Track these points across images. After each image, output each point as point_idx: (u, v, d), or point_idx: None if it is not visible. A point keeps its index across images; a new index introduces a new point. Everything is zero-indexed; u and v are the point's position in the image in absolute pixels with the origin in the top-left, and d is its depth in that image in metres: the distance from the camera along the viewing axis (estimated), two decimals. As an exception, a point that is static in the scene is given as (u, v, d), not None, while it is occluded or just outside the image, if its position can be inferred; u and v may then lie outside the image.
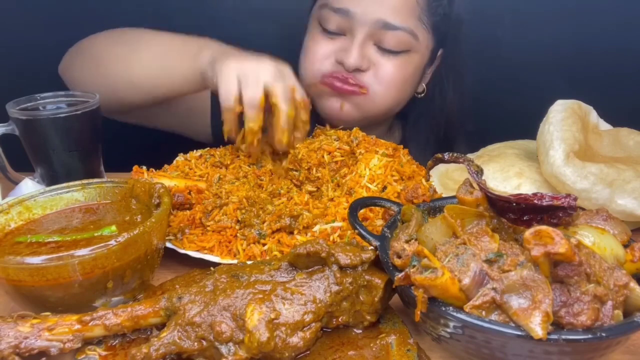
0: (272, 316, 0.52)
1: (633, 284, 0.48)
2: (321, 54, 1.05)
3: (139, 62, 0.99)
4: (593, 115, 0.92)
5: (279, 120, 0.81)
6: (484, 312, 0.47)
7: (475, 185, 0.58)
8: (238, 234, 0.73)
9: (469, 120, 1.25)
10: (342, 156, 0.85)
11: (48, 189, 0.69)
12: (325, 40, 1.06)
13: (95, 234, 0.62)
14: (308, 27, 1.11)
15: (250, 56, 0.85)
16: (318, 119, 1.15)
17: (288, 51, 1.21)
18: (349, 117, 1.07)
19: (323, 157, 0.85)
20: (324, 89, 1.05)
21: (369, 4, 0.99)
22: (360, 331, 0.58)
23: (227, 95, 0.81)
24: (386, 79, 1.03)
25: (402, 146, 0.90)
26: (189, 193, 0.80)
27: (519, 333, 0.45)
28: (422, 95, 1.17)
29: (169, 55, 0.97)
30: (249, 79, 0.80)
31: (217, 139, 1.01)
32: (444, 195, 0.78)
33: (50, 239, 0.62)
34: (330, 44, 1.05)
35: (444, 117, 1.20)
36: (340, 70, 1.03)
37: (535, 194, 0.51)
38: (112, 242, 0.56)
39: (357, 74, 1.03)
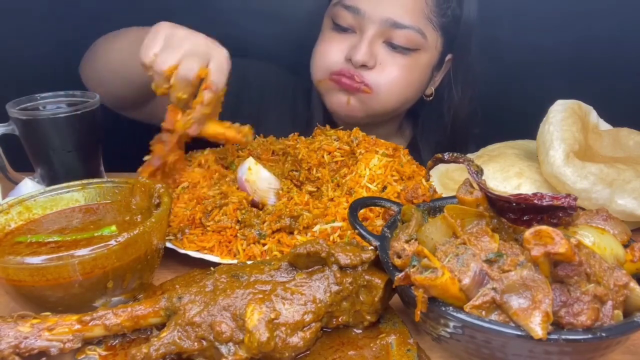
0: (272, 316, 0.52)
1: (633, 284, 0.48)
2: (332, 51, 1.07)
3: (117, 51, 0.99)
4: (593, 115, 0.92)
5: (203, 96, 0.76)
6: (484, 312, 0.47)
7: (475, 185, 0.58)
8: (238, 234, 0.73)
9: (477, 123, 1.26)
10: (342, 156, 0.85)
11: (48, 189, 0.69)
12: (336, 37, 1.07)
13: (95, 234, 0.62)
14: (322, 27, 1.13)
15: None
16: (327, 116, 1.16)
17: (289, 51, 1.21)
18: (355, 112, 1.09)
19: (323, 157, 0.85)
20: (332, 86, 1.08)
21: (379, 3, 1.02)
22: (360, 331, 0.58)
23: (146, 51, 0.77)
24: (391, 79, 1.05)
25: (402, 146, 0.90)
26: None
27: (519, 333, 0.45)
28: (431, 98, 1.18)
29: (137, 42, 0.93)
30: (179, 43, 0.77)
31: None
32: (444, 195, 0.78)
33: (50, 239, 0.62)
34: (341, 41, 1.06)
35: (451, 120, 1.21)
36: (348, 67, 1.05)
37: (535, 194, 0.51)
38: (112, 242, 0.56)
39: (364, 71, 1.04)
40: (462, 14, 1.09)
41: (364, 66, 1.03)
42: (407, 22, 1.01)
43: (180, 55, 0.76)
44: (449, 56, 1.15)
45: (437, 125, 1.23)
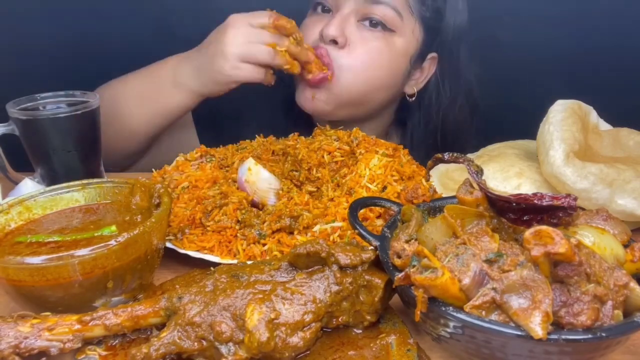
0: (272, 316, 0.52)
1: (633, 284, 0.48)
2: (307, 33, 1.06)
3: (127, 110, 1.05)
4: (593, 115, 0.92)
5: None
6: (484, 312, 0.47)
7: (475, 185, 0.58)
8: (238, 234, 0.73)
9: (470, 127, 1.24)
10: (342, 156, 0.85)
11: (48, 189, 0.69)
12: (314, 20, 1.08)
13: (95, 234, 0.62)
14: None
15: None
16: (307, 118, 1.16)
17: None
18: (322, 105, 1.08)
19: (323, 157, 0.84)
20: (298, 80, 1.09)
21: None
22: (360, 331, 0.58)
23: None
24: (357, 60, 1.04)
25: (402, 146, 0.90)
26: None
27: (519, 333, 0.45)
28: (413, 99, 1.16)
29: (147, 88, 1.05)
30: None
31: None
32: (444, 195, 0.78)
33: (50, 239, 0.62)
34: (318, 21, 1.07)
35: (440, 125, 1.20)
36: (319, 44, 1.04)
37: (535, 194, 0.51)
38: (112, 242, 0.56)
39: (333, 50, 1.03)
40: (445, 10, 1.09)
41: (334, 43, 1.02)
42: None
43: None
44: (433, 54, 1.13)
45: (426, 131, 1.20)
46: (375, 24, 1.03)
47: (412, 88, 1.15)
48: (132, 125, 1.05)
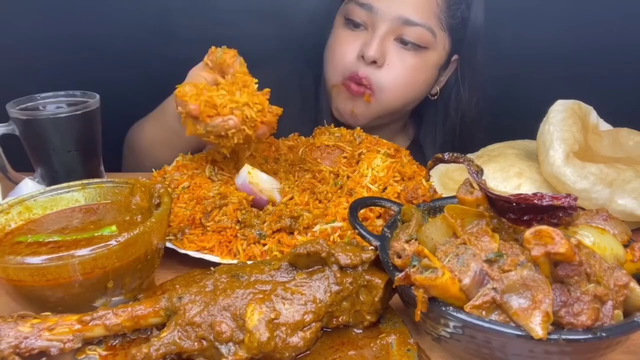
0: (272, 316, 0.52)
1: (633, 284, 0.48)
2: (347, 51, 1.09)
3: (153, 151, 1.06)
4: (593, 115, 0.92)
5: None
6: (484, 312, 0.47)
7: (475, 185, 0.58)
8: (238, 234, 0.73)
9: (483, 126, 1.28)
10: (344, 156, 0.85)
11: (48, 189, 0.69)
12: (348, 35, 1.10)
13: (96, 234, 0.62)
14: (334, 26, 1.15)
15: None
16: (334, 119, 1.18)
17: (288, 51, 1.21)
18: (359, 119, 1.11)
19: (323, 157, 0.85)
20: (342, 90, 1.10)
21: (392, 1, 1.04)
22: (360, 331, 0.58)
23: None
24: (396, 79, 1.07)
25: (403, 147, 0.90)
26: None
27: (519, 333, 0.45)
28: (436, 97, 1.20)
29: (161, 137, 1.04)
30: None
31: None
32: (444, 195, 0.78)
33: (50, 239, 0.62)
34: (353, 39, 1.08)
35: (458, 122, 1.24)
36: (359, 65, 1.06)
37: (535, 194, 0.51)
38: (113, 242, 0.56)
39: (372, 71, 1.06)
40: (469, 17, 1.12)
41: (374, 63, 1.05)
42: (418, 20, 1.04)
43: None
44: (455, 56, 1.16)
45: (443, 126, 1.25)
46: (410, 42, 1.06)
47: (435, 88, 1.20)
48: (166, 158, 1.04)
